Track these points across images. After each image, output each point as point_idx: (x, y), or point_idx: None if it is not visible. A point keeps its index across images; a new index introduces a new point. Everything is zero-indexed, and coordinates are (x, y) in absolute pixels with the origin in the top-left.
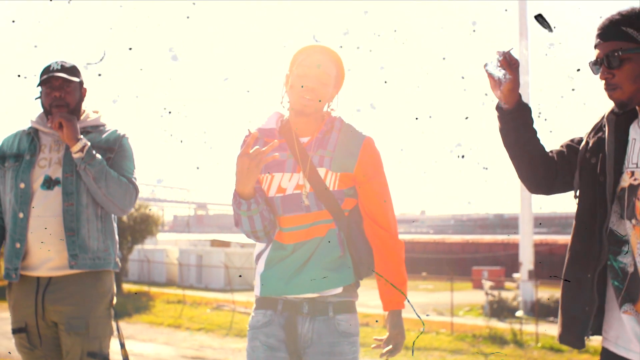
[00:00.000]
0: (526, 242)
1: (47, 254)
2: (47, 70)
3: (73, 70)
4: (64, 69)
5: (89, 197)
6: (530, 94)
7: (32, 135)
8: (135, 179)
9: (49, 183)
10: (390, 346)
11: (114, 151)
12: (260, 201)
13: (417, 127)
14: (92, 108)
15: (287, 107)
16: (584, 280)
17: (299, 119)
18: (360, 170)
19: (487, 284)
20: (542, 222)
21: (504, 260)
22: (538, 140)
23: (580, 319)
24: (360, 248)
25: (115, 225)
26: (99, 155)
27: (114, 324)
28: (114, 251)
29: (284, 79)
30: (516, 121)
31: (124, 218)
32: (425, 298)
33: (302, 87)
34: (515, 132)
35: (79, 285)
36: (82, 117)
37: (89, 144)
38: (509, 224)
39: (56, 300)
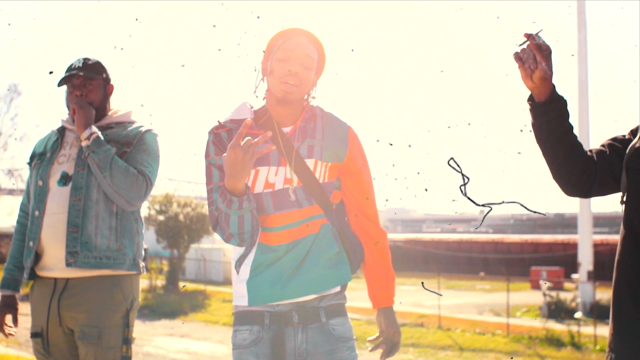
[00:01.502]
0: (585, 242)
1: (59, 253)
2: (69, 68)
3: (96, 67)
4: (86, 66)
5: (101, 193)
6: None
7: (58, 134)
8: (150, 172)
9: (65, 179)
10: (386, 346)
11: (131, 145)
12: (252, 198)
13: (477, 130)
14: (126, 106)
15: (263, 97)
16: (636, 299)
17: (279, 107)
18: (351, 159)
19: (545, 284)
20: (604, 222)
21: (564, 260)
22: (574, 136)
23: (633, 347)
24: (353, 242)
25: (138, 224)
26: (108, 145)
27: (131, 332)
28: (132, 251)
29: (259, 67)
30: (550, 114)
31: (181, 217)
32: (482, 298)
33: (288, 70)
34: (549, 126)
35: (95, 290)
36: (109, 114)
37: (97, 132)
38: (569, 223)
39: (71, 306)
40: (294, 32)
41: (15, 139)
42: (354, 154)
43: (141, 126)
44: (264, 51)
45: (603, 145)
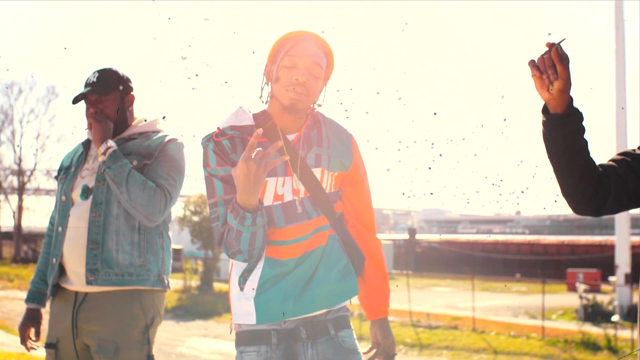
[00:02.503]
0: (623, 243)
1: (80, 268)
2: (85, 83)
3: (110, 81)
4: (99, 81)
5: (122, 208)
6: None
7: (83, 147)
8: (170, 184)
9: (86, 193)
10: (383, 358)
11: (152, 157)
12: (264, 213)
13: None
14: (152, 114)
15: (265, 101)
16: None
17: (284, 114)
18: (355, 169)
19: (581, 287)
20: None
21: (601, 262)
22: (588, 152)
23: None
24: (359, 253)
25: (163, 239)
26: (125, 160)
27: (152, 349)
28: (157, 267)
29: (263, 70)
30: (566, 128)
31: None
32: (518, 300)
33: (296, 80)
34: (565, 141)
35: (113, 304)
36: (134, 124)
37: (113, 146)
38: (607, 224)
39: (88, 320)
40: (302, 36)
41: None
42: (358, 163)
43: (165, 136)
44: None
45: (613, 161)
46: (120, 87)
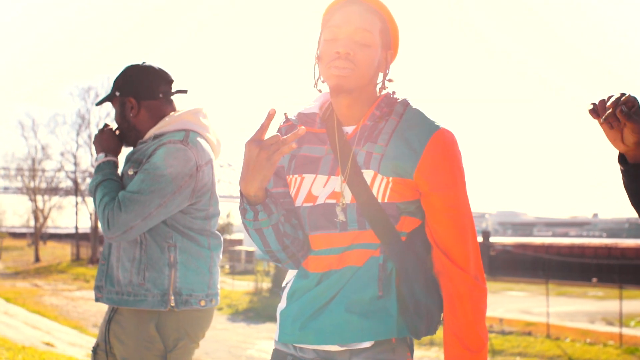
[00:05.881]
0: None
1: None
2: None
3: (114, 87)
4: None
5: None
6: None
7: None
8: (129, 199)
9: None
10: None
11: (141, 164)
12: (274, 209)
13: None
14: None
15: (319, 88)
16: None
17: (339, 100)
18: (422, 175)
19: None
20: None
21: None
22: None
23: None
24: (418, 291)
25: (176, 253)
26: (102, 173)
27: None
28: (159, 286)
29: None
30: None
31: None
32: (594, 306)
33: (336, 53)
34: None
35: (133, 322)
36: (160, 124)
37: (99, 161)
38: None
39: (115, 334)
40: (344, 1)
41: None
42: (430, 168)
43: (165, 141)
44: None
45: None
46: (117, 93)
